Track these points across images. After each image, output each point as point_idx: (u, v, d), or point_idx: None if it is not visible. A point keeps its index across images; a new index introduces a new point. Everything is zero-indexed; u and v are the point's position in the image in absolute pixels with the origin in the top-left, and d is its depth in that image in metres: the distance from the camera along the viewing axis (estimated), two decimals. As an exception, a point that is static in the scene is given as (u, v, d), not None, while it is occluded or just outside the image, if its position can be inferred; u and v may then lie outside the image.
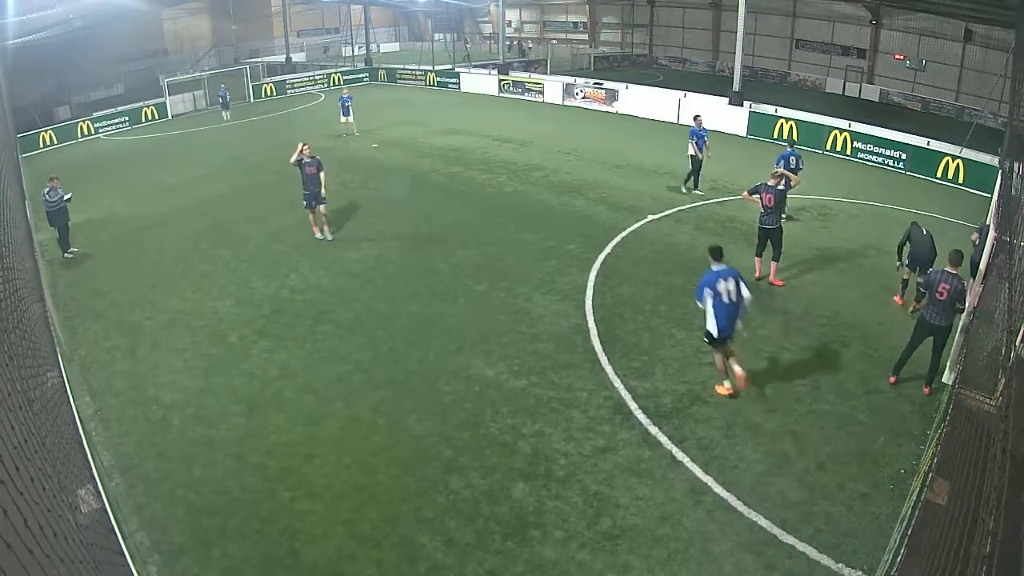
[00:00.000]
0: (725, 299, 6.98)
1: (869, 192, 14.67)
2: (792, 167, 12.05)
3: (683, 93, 23.09)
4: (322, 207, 12.08)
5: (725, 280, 7.00)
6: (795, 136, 19.04)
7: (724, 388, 7.43)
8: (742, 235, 11.88)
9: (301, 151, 11.69)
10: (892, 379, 7.59)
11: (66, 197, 12.11)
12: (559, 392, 7.52)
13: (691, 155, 14.35)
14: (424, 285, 10.30)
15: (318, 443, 6.78)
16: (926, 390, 7.40)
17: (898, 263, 9.08)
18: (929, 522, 3.87)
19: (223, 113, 26.09)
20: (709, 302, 7.01)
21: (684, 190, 14.68)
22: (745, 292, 7.04)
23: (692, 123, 14.52)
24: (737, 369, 7.17)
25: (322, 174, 11.82)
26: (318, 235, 12.26)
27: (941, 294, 6.99)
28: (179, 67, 38.06)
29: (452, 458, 6.51)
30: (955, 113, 28.35)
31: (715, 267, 7.07)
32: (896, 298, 9.44)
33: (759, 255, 10.05)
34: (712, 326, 7.07)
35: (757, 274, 10.16)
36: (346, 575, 5.25)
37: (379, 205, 14.39)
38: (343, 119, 21.08)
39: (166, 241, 12.66)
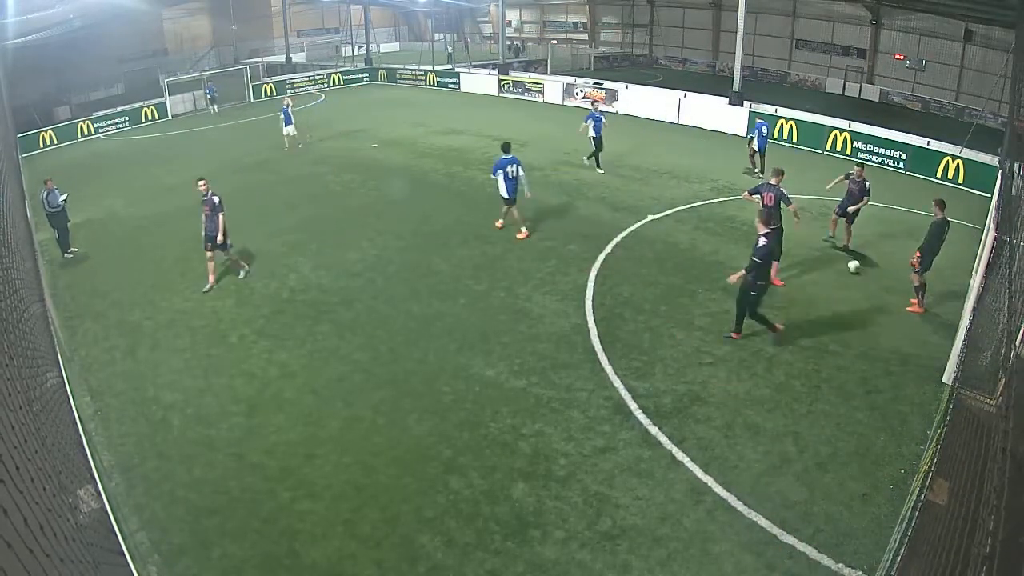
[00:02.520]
0: (510, 176, 11.42)
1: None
2: (764, 136, 15.65)
3: (683, 93, 23.08)
4: (221, 252, 10.30)
5: (510, 165, 11.37)
6: (795, 137, 19.14)
7: (522, 233, 11.94)
8: (742, 235, 11.88)
9: (199, 189, 10.16)
10: (736, 335, 8.46)
11: (62, 197, 12.05)
12: (559, 392, 7.52)
13: (592, 136, 16.04)
14: (424, 285, 10.30)
15: (318, 443, 6.79)
16: (736, 335, 8.45)
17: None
18: (929, 522, 3.86)
19: (211, 108, 28.06)
20: (501, 178, 11.41)
21: (585, 162, 16.61)
22: (522, 173, 11.51)
23: (591, 108, 16.55)
24: (523, 228, 11.94)
25: (220, 216, 10.06)
26: (241, 274, 10.68)
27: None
28: (179, 67, 38.06)
29: (452, 458, 6.51)
30: (955, 113, 28.36)
31: (504, 156, 11.38)
32: (915, 306, 9.23)
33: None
34: (503, 192, 11.56)
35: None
36: (346, 575, 5.26)
37: (379, 205, 14.38)
38: (285, 128, 19.33)
39: (166, 241, 12.66)
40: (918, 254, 8.90)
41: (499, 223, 12.38)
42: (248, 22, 44.81)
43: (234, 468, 6.47)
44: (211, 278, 10.40)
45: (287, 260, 11.43)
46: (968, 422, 3.92)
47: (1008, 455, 2.19)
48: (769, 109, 20.25)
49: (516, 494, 6.02)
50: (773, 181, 9.67)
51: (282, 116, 19.32)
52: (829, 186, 11.59)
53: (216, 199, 10.12)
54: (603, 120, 16.06)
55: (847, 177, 11.10)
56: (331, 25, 51.51)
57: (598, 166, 16.34)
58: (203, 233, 10.25)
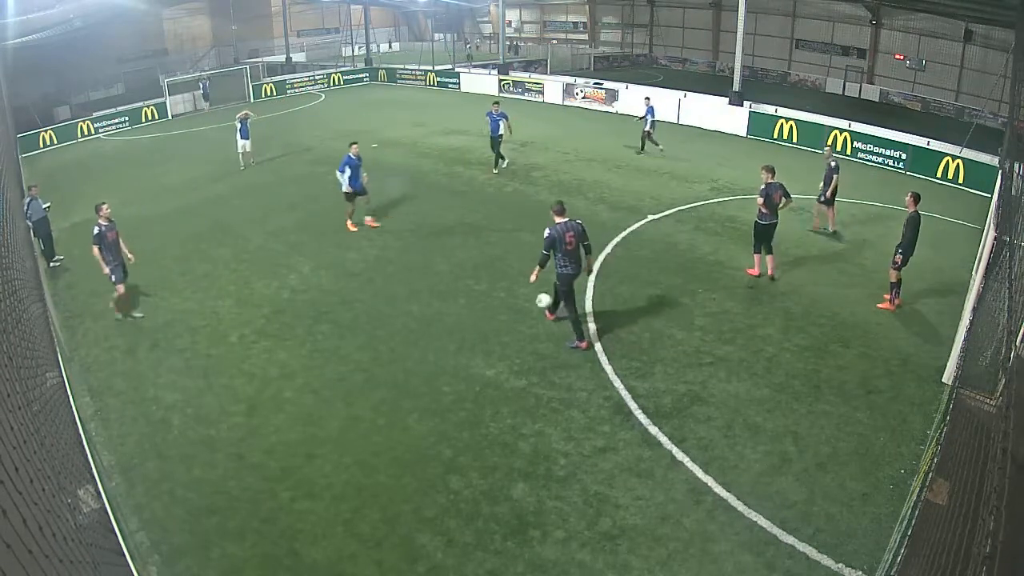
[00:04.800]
0: (353, 174, 12.17)
1: (869, 192, 14.68)
2: (653, 118, 17.70)
3: (683, 93, 23.09)
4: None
5: (354, 164, 12.20)
6: (795, 137, 19.13)
7: (354, 227, 12.66)
8: (741, 235, 11.88)
9: (101, 215, 9.04)
10: (551, 316, 8.88)
11: (45, 206, 11.94)
12: (559, 392, 7.52)
13: (491, 136, 16.26)
14: (424, 285, 10.30)
15: (318, 443, 6.78)
16: (550, 317, 8.85)
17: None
18: (929, 522, 3.86)
19: (204, 104, 28.63)
20: (347, 175, 12.14)
21: (495, 170, 16.47)
22: (344, 174, 12.23)
23: (491, 108, 16.20)
24: (354, 219, 12.75)
25: (120, 238, 9.34)
26: (136, 313, 9.60)
27: (570, 244, 7.98)
28: (179, 67, 38.05)
29: (452, 458, 6.51)
30: (955, 113, 28.37)
31: (352, 156, 12.20)
32: (886, 303, 9.28)
33: (759, 252, 10.13)
34: (346, 187, 12.24)
35: (757, 271, 10.21)
36: (346, 575, 5.25)
37: (379, 205, 14.37)
38: (240, 142, 17.57)
39: (166, 241, 12.65)
40: (899, 254, 8.89)
41: (354, 227, 12.67)
42: (248, 22, 44.80)
43: (234, 468, 6.46)
44: (119, 311, 9.55)
45: (287, 260, 11.43)
46: (968, 422, 3.91)
47: (1008, 455, 2.19)
48: (769, 109, 20.26)
49: (516, 494, 6.02)
50: (773, 179, 9.67)
51: (238, 129, 17.49)
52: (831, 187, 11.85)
53: (95, 227, 9.05)
54: (499, 120, 15.86)
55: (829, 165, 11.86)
56: (331, 25, 51.51)
57: (497, 163, 16.53)
58: (115, 266, 9.22)
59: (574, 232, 8.02)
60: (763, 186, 9.73)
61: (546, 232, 7.98)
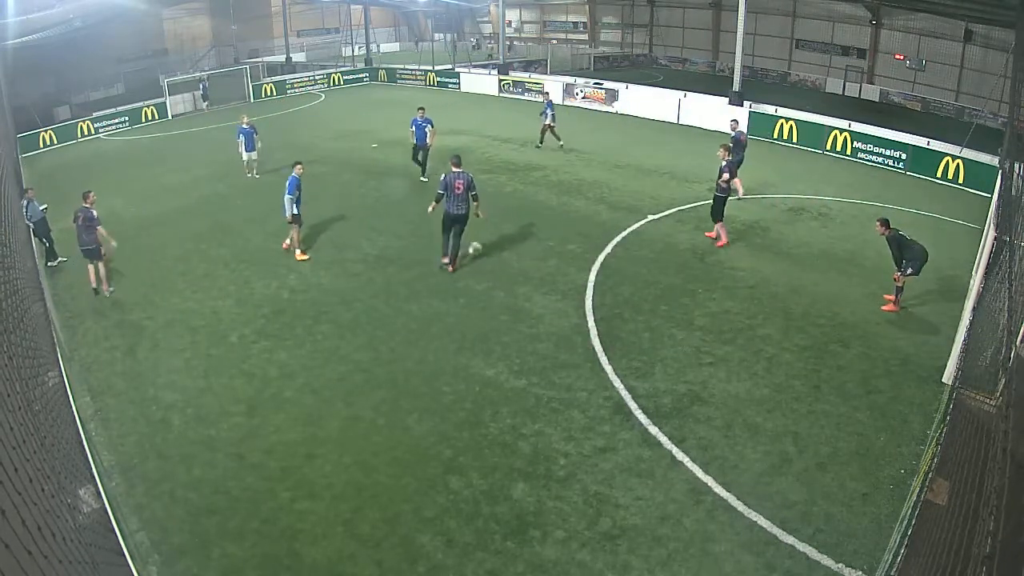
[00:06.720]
0: (297, 196, 11.20)
1: (869, 192, 14.68)
2: (552, 113, 18.57)
3: (683, 93, 23.08)
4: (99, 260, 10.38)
5: (299, 184, 11.21)
6: (795, 137, 19.11)
7: (303, 255, 11.48)
8: (741, 235, 11.90)
9: (89, 201, 10.11)
10: (447, 262, 10.57)
11: (42, 207, 11.93)
12: (559, 392, 7.52)
13: (413, 144, 15.93)
14: (424, 285, 10.30)
15: (318, 443, 6.78)
16: (452, 268, 10.59)
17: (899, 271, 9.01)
18: (929, 522, 3.86)
19: (203, 104, 28.52)
20: (294, 196, 11.13)
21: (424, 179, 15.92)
22: (292, 196, 11.16)
23: (417, 115, 15.76)
24: (289, 240, 11.63)
25: (100, 228, 10.28)
26: (110, 288, 10.49)
27: (458, 188, 10.03)
28: (179, 67, 38.03)
29: (452, 458, 6.51)
30: (955, 113, 28.35)
31: (296, 174, 11.18)
32: (891, 305, 9.30)
33: (721, 219, 11.40)
34: (292, 209, 11.19)
35: (726, 240, 11.41)
36: (346, 575, 5.25)
37: (379, 205, 14.39)
38: (245, 154, 16.65)
39: (166, 241, 12.65)
40: (899, 273, 8.89)
41: (297, 251, 11.58)
42: (248, 22, 44.75)
43: (234, 468, 6.46)
44: (104, 284, 10.41)
45: (287, 260, 11.43)
46: (968, 422, 3.91)
47: (1008, 455, 2.19)
48: (769, 109, 20.25)
49: (516, 494, 6.02)
50: (730, 157, 11.21)
51: (241, 139, 16.53)
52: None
53: (94, 212, 10.18)
54: (427, 128, 15.43)
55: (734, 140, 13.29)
56: (331, 25, 51.49)
57: (423, 174, 15.87)
58: (87, 250, 10.17)
59: (463, 181, 10.07)
60: (723, 164, 11.06)
61: (442, 177, 10.19)
